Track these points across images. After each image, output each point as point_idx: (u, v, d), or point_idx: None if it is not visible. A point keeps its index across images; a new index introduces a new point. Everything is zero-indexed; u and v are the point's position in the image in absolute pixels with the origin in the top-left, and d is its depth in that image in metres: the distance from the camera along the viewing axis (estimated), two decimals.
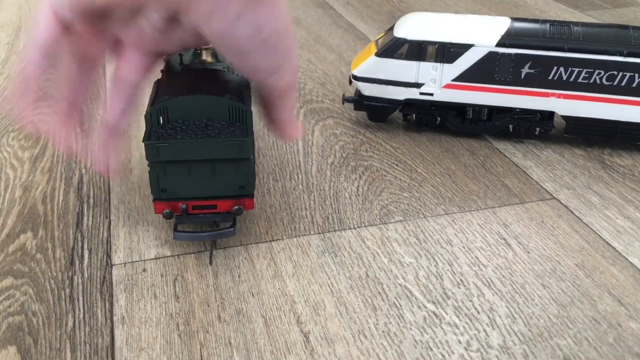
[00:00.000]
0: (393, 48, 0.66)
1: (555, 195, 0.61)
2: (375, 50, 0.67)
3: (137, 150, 0.67)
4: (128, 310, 0.47)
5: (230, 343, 0.44)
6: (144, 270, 0.51)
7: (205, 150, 0.48)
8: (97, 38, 0.47)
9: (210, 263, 0.51)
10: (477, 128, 0.69)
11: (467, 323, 0.46)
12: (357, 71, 0.68)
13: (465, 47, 0.65)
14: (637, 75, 0.63)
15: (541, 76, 0.65)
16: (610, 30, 0.65)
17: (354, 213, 0.57)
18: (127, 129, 0.48)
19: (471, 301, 0.48)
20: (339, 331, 0.45)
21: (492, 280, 0.50)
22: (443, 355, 0.43)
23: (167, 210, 0.50)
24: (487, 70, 0.65)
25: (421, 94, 0.68)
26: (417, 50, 0.66)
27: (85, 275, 0.50)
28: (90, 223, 0.56)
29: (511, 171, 0.64)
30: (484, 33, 0.65)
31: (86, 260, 0.52)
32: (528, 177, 0.63)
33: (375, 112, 0.70)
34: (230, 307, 0.47)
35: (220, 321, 0.46)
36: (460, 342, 0.44)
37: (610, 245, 0.54)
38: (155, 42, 0.46)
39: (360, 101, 0.70)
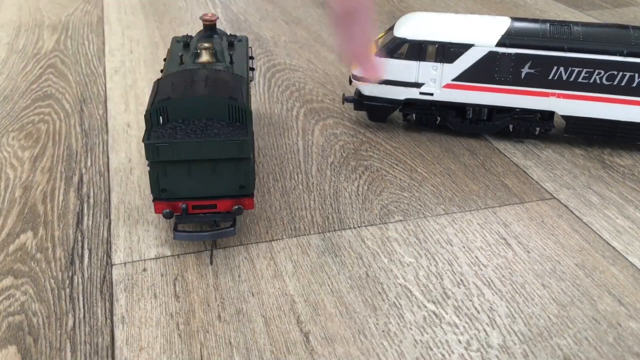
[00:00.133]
0: (393, 48, 0.66)
1: (555, 195, 0.61)
2: (375, 50, 0.67)
3: (137, 150, 0.67)
4: (128, 309, 0.47)
5: (230, 343, 0.44)
6: (144, 270, 0.51)
7: (205, 150, 0.48)
8: None
9: (211, 263, 0.51)
10: (477, 128, 0.69)
11: (467, 323, 0.46)
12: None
13: (465, 47, 0.65)
14: (637, 75, 0.63)
15: (541, 76, 0.65)
16: (610, 30, 0.65)
17: (354, 213, 0.57)
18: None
19: (471, 301, 0.48)
20: (339, 331, 0.45)
21: (492, 280, 0.50)
22: (443, 355, 0.43)
23: (167, 210, 0.51)
24: (487, 70, 0.65)
25: (421, 93, 0.68)
26: (417, 50, 0.66)
27: (86, 274, 0.50)
28: (90, 223, 0.56)
29: (511, 171, 0.64)
30: (484, 33, 0.65)
31: (86, 260, 0.52)
32: (528, 177, 0.63)
33: (375, 111, 0.70)
34: (231, 307, 0.47)
35: (220, 321, 0.46)
36: (460, 341, 0.44)
37: (610, 245, 0.54)
38: None
39: (360, 101, 0.70)
